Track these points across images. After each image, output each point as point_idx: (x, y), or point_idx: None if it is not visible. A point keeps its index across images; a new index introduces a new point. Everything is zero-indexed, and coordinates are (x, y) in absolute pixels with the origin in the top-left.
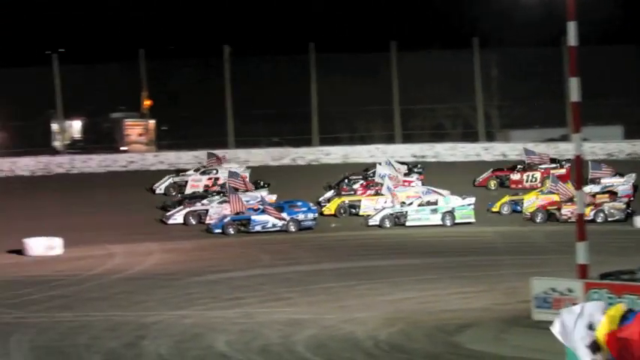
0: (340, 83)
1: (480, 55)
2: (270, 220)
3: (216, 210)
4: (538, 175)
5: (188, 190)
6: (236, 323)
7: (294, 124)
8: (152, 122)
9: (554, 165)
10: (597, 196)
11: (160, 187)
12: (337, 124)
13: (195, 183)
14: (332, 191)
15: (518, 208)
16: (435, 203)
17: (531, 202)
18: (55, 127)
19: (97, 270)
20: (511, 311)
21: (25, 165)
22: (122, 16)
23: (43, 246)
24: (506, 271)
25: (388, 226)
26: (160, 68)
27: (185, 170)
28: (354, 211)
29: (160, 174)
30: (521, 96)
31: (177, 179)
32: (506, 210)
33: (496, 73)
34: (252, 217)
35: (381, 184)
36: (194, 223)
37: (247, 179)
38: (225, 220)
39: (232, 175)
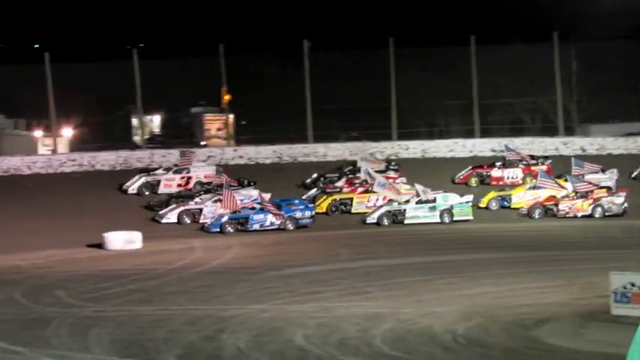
0: (419, 77)
1: (560, 48)
2: (268, 218)
3: (210, 209)
4: (519, 171)
5: (161, 190)
6: (314, 317)
7: (372, 119)
8: (231, 117)
9: (533, 162)
10: (595, 191)
11: (133, 187)
12: (416, 119)
13: (168, 182)
14: (315, 189)
15: (505, 203)
16: (434, 201)
17: (520, 197)
18: (134, 121)
19: (177, 264)
20: (589, 306)
21: (105, 159)
22: (202, 12)
23: (123, 240)
24: (583, 266)
25: (386, 223)
26: (239, 63)
27: (155, 169)
28: (344, 208)
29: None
30: (600, 90)
31: (149, 179)
32: (494, 206)
33: (575, 66)
34: (251, 216)
35: (366, 181)
36: (188, 222)
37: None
38: (223, 219)
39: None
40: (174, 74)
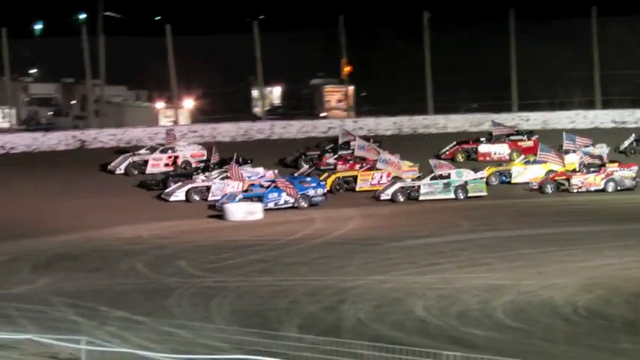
0: (539, 49)
1: None
2: (282, 196)
3: (219, 186)
4: (506, 147)
5: (149, 170)
6: (434, 288)
7: (493, 90)
8: (351, 88)
9: (519, 137)
10: (608, 164)
11: (120, 168)
12: (536, 90)
13: (156, 162)
14: (306, 167)
15: (504, 178)
16: (448, 177)
17: (519, 172)
18: (255, 93)
19: (297, 235)
20: None
21: (226, 131)
22: None
23: (244, 211)
24: None
25: (402, 200)
26: (359, 35)
27: (139, 148)
28: (347, 186)
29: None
30: None
31: (136, 159)
32: (494, 181)
33: None
34: (266, 194)
35: (360, 158)
36: (197, 199)
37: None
38: (237, 197)
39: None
40: (295, 46)
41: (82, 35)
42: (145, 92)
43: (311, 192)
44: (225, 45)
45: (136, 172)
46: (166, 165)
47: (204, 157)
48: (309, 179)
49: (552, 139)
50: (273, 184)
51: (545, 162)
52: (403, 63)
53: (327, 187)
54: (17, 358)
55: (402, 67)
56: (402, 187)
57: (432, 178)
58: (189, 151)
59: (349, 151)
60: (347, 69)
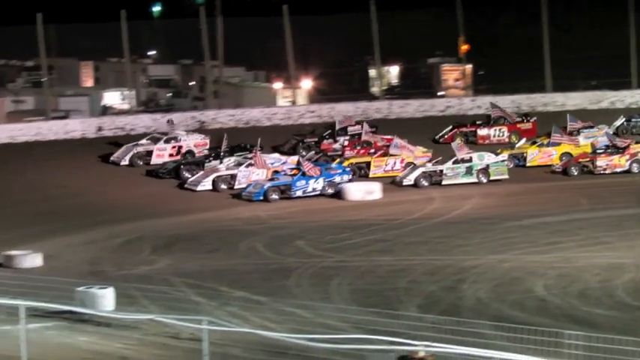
0: None
1: None
2: (310, 183)
3: (244, 174)
4: (505, 129)
5: (154, 160)
6: (554, 267)
7: (612, 67)
8: (469, 67)
9: (519, 119)
10: (632, 146)
11: (125, 159)
12: None
13: (160, 152)
14: (312, 152)
15: (517, 161)
16: (470, 160)
17: (534, 155)
18: (372, 72)
19: (416, 214)
20: None
21: (344, 111)
22: None
23: (363, 191)
24: None
25: (426, 184)
26: (476, 12)
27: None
28: (360, 173)
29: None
30: None
31: (139, 149)
32: (509, 165)
33: None
34: (294, 182)
35: (367, 143)
36: (225, 187)
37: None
38: (266, 186)
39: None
40: (412, 25)
41: (201, 16)
42: (262, 73)
43: (337, 178)
44: (343, 24)
45: (140, 163)
46: (170, 155)
47: (208, 146)
48: (334, 165)
49: None
50: (300, 172)
51: (559, 144)
52: (521, 40)
53: None
54: (139, 339)
55: (519, 45)
56: (424, 172)
57: (454, 162)
58: (192, 141)
59: (347, 137)
60: (464, 47)
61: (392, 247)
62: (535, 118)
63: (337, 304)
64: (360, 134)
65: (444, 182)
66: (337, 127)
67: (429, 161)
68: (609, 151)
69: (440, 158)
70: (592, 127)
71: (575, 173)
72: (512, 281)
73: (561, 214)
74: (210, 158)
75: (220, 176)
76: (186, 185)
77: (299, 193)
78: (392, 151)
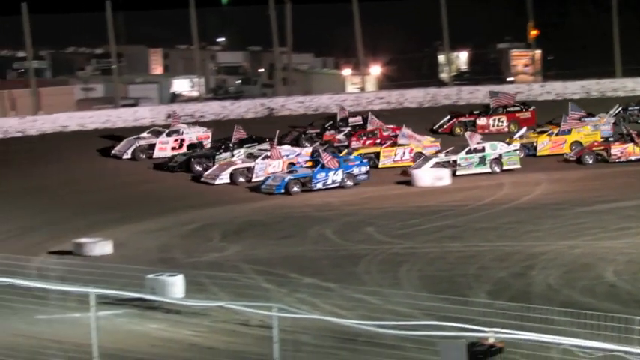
0: None
1: None
2: (330, 176)
3: (261, 167)
4: (504, 119)
5: (156, 154)
6: (624, 253)
7: None
8: (538, 52)
9: (517, 108)
10: None
11: (127, 153)
12: None
13: (163, 146)
14: (316, 143)
15: (527, 151)
16: (483, 150)
17: (544, 144)
18: (441, 58)
19: (486, 200)
20: None
21: (413, 97)
22: None
23: (432, 177)
24: None
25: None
26: None
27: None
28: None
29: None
30: None
31: (142, 143)
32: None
33: None
34: (315, 174)
35: (372, 133)
36: (243, 180)
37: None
38: (287, 179)
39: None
40: (481, 10)
41: (270, 3)
42: (331, 59)
43: (355, 170)
44: (412, 10)
45: (143, 157)
46: (173, 149)
47: (210, 139)
48: (352, 157)
49: None
50: (319, 164)
51: (570, 133)
52: (590, 25)
53: None
54: (209, 326)
55: (589, 30)
56: (438, 163)
57: (467, 152)
58: (194, 134)
59: (348, 128)
60: (534, 32)
61: (461, 233)
62: (534, 107)
63: (407, 290)
64: (361, 125)
65: (457, 173)
66: (339, 117)
67: (438, 151)
68: (623, 139)
69: (452, 148)
70: (593, 115)
71: (590, 162)
72: (582, 267)
73: (632, 199)
74: (221, 151)
75: (237, 169)
76: (202, 179)
77: (319, 186)
78: (400, 140)
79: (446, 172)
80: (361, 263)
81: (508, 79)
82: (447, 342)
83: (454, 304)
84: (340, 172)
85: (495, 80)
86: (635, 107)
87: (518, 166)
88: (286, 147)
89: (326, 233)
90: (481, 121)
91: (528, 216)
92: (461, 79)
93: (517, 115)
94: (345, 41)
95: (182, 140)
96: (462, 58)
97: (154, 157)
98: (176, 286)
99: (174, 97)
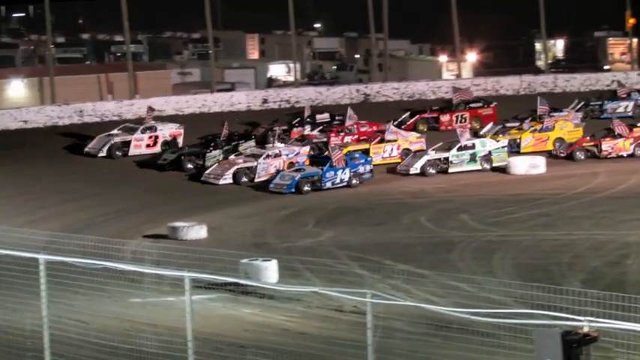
0: None
1: None
2: (338, 174)
3: (263, 166)
4: (467, 115)
5: (132, 151)
6: None
7: None
8: (635, 41)
9: (480, 104)
10: (635, 129)
11: (102, 150)
12: None
13: (138, 143)
14: (305, 144)
15: (510, 147)
16: (473, 147)
17: (528, 141)
18: (538, 46)
19: (580, 189)
20: None
21: (509, 84)
22: None
23: (526, 164)
24: None
25: (433, 172)
26: None
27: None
28: None
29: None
30: None
31: (117, 139)
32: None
33: None
34: (324, 173)
35: (348, 129)
36: (246, 180)
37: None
38: (297, 178)
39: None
40: None
41: None
42: (427, 46)
43: (361, 169)
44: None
45: (120, 154)
46: (148, 146)
47: (182, 136)
48: (357, 155)
49: None
50: (330, 163)
51: (553, 129)
52: None
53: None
54: (302, 311)
55: None
56: (429, 160)
57: (458, 149)
58: (167, 130)
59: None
60: (631, 21)
61: (555, 221)
62: (495, 104)
63: (500, 278)
64: (329, 122)
65: (450, 170)
66: (306, 114)
67: (425, 149)
68: (612, 135)
69: (439, 145)
70: (560, 110)
71: (582, 157)
72: None
73: None
74: (211, 148)
75: (240, 169)
76: (203, 178)
77: (328, 185)
78: (387, 137)
79: (541, 160)
80: (455, 250)
81: (605, 67)
82: (541, 330)
83: (548, 293)
84: (347, 170)
85: (592, 68)
86: (597, 102)
87: (507, 163)
88: (278, 145)
89: (420, 220)
90: (444, 118)
91: (623, 205)
92: (557, 66)
93: (479, 111)
94: (442, 28)
95: (156, 137)
96: (559, 45)
97: (129, 154)
98: (270, 271)
99: (270, 83)
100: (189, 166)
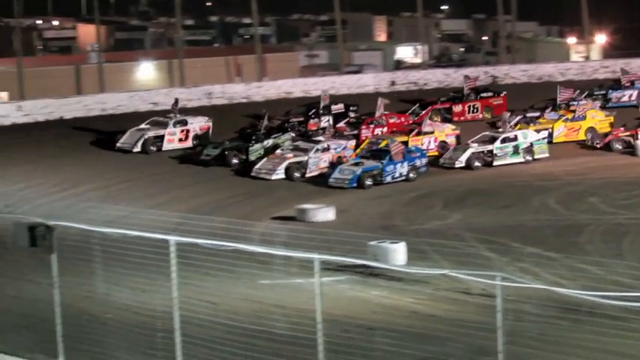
0: None
1: None
2: (397, 168)
3: (314, 160)
4: (479, 105)
5: (165, 146)
6: None
7: None
8: None
9: (490, 93)
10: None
11: (137, 145)
12: None
13: (171, 137)
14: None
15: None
16: (515, 139)
17: (560, 131)
18: None
19: None
20: None
21: (639, 66)
22: None
23: None
24: None
25: (479, 165)
26: None
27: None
28: None
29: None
30: None
31: (150, 134)
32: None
33: None
34: (385, 168)
35: (377, 121)
36: (298, 175)
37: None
38: (359, 172)
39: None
40: None
41: None
42: (556, 28)
43: (417, 162)
44: None
45: (154, 149)
46: (180, 140)
47: (210, 129)
48: (413, 148)
49: None
50: (389, 157)
51: (585, 119)
52: None
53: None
54: (430, 294)
55: None
56: (473, 153)
57: (502, 141)
58: (197, 124)
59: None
60: None
61: None
62: (505, 93)
63: (630, 261)
64: (343, 113)
65: (495, 163)
66: (322, 104)
67: (458, 141)
68: None
69: (479, 136)
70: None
71: (620, 147)
72: None
73: None
74: (253, 141)
75: (292, 163)
76: (253, 173)
77: (388, 179)
78: (425, 128)
79: None
80: (584, 233)
81: None
82: None
83: None
84: (406, 164)
85: None
86: (601, 91)
87: (547, 155)
88: (341, 140)
89: (548, 202)
90: (457, 109)
91: None
92: None
93: (490, 100)
94: (570, 10)
95: (187, 131)
96: None
97: (163, 149)
98: (398, 253)
99: (398, 65)
100: (235, 161)
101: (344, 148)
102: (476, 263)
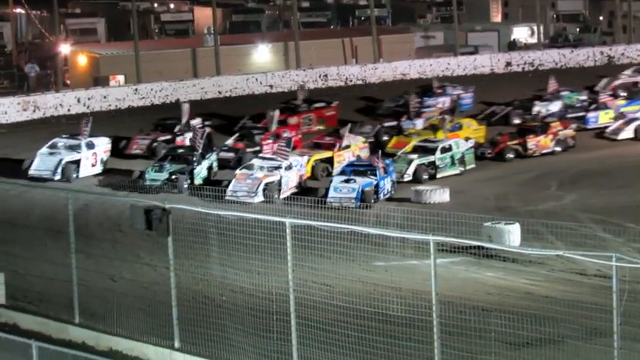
0: None
1: None
2: (385, 184)
3: (286, 179)
4: (313, 116)
5: (82, 172)
6: None
7: None
8: None
9: (322, 104)
10: (552, 124)
11: (57, 173)
12: None
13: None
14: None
15: None
16: (450, 149)
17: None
18: None
19: None
20: None
21: None
22: None
23: None
24: None
25: (426, 177)
26: None
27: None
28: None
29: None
30: None
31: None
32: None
33: None
34: (380, 183)
35: (277, 135)
36: (276, 196)
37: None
38: (358, 188)
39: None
40: None
41: None
42: None
43: (393, 176)
44: None
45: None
46: (92, 165)
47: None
48: (387, 162)
49: None
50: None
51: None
52: None
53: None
54: (545, 275)
55: None
56: (419, 165)
57: (441, 151)
58: (102, 147)
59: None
60: None
61: None
62: (337, 103)
63: None
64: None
65: (438, 175)
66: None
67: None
68: None
69: (404, 149)
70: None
71: (512, 156)
72: None
73: None
74: (194, 164)
75: (269, 183)
76: (228, 198)
77: (381, 196)
78: (345, 142)
79: None
80: None
81: None
82: None
83: None
84: (388, 178)
85: None
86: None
87: (474, 166)
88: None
89: None
90: (292, 120)
91: None
92: None
93: (322, 111)
94: None
95: (96, 155)
96: None
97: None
98: (513, 234)
99: (513, 46)
100: (185, 185)
101: (302, 166)
102: (590, 244)
